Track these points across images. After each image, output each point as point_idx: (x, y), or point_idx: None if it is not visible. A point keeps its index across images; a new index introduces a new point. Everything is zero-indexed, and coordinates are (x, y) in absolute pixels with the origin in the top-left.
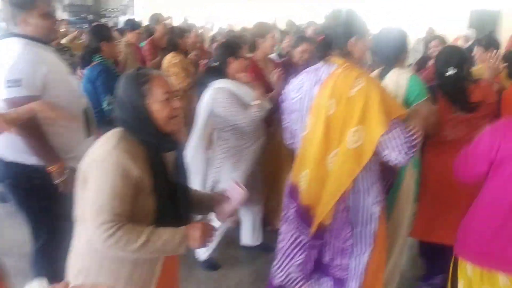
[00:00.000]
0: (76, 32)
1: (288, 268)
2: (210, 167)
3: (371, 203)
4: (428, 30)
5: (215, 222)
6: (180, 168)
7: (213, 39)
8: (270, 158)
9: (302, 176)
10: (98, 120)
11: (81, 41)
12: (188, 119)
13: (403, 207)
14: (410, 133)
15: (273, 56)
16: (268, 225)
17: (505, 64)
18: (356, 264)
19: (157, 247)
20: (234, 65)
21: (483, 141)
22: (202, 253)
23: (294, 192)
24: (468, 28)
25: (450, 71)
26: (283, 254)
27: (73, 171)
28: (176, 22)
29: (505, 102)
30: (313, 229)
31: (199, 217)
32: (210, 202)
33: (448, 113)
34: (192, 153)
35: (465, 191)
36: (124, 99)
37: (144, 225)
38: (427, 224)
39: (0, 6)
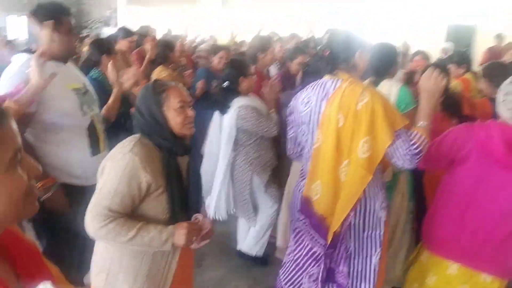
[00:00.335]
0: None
1: (300, 280)
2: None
3: (379, 208)
4: (403, 43)
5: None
6: (193, 173)
7: (195, 50)
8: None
9: (314, 187)
10: None
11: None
12: None
13: (399, 206)
14: (412, 143)
15: (272, 68)
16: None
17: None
18: (363, 266)
19: (144, 241)
20: (245, 84)
21: (446, 141)
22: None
23: (306, 204)
24: (446, 42)
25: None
26: (295, 265)
27: (61, 188)
28: (159, 33)
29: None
30: (329, 238)
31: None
32: None
33: (447, 124)
34: (222, 169)
35: None
36: (143, 106)
37: (154, 222)
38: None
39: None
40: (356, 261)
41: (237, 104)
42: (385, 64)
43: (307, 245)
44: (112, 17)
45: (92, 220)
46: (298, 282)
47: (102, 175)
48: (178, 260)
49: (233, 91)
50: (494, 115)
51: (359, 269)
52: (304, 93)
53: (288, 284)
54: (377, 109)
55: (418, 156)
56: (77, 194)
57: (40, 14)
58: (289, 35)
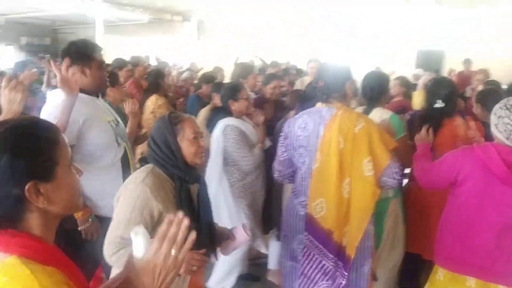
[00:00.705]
0: None
1: None
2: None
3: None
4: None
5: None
6: (203, 201)
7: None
8: None
9: (316, 204)
10: None
11: None
12: None
13: (393, 230)
14: (398, 163)
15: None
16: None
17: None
18: (357, 275)
19: None
20: (235, 107)
21: (445, 165)
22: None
23: (309, 221)
24: (416, 67)
25: (438, 104)
26: (307, 279)
27: (96, 221)
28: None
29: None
30: (352, 255)
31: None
32: (220, 235)
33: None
34: (216, 186)
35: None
36: (158, 137)
37: None
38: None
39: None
40: (351, 272)
41: (225, 122)
42: (377, 92)
43: (317, 258)
44: None
45: (107, 248)
46: None
47: (117, 203)
48: (189, 280)
49: (225, 111)
50: (487, 138)
51: (354, 278)
52: (299, 119)
53: None
54: (373, 133)
55: (400, 176)
56: (106, 225)
57: (73, 52)
58: (270, 63)
